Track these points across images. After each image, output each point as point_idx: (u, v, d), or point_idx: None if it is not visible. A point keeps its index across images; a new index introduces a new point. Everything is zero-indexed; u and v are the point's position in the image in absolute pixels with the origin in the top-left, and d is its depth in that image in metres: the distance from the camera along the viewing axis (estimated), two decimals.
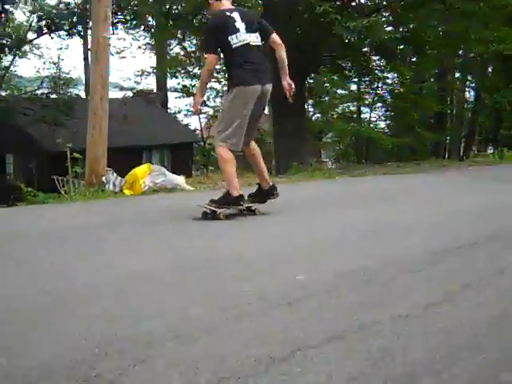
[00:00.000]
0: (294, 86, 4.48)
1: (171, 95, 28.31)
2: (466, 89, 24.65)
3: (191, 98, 27.37)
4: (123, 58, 28.51)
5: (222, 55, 4.38)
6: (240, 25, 4.22)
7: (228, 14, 4.29)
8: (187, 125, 27.91)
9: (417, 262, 2.99)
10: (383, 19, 11.23)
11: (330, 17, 9.54)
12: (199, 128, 26.97)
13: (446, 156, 24.66)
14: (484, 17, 11.74)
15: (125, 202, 5.97)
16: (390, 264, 2.93)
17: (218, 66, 6.02)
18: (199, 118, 26.59)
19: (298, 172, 9.30)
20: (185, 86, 26.37)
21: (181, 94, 27.23)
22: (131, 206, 5.66)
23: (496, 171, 10.04)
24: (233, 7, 4.49)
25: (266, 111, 13.62)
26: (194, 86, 26.49)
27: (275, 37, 4.42)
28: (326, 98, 22.27)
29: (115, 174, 6.72)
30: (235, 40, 4.19)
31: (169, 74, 26.71)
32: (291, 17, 10.78)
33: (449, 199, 5.77)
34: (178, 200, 5.89)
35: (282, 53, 4.43)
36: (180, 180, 7.01)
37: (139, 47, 26.02)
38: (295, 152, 12.64)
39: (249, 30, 4.25)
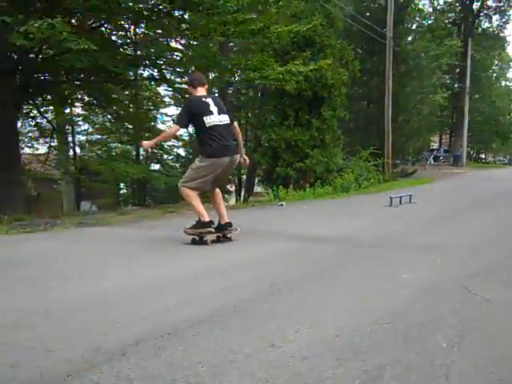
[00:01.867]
0: (248, 161, 5.97)
1: None
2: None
3: None
4: None
5: (195, 130, 5.51)
6: (213, 108, 5.42)
7: (204, 99, 5.48)
8: None
9: None
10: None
11: None
12: None
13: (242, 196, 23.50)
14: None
15: None
16: None
17: None
18: None
19: None
20: None
21: None
22: None
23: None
24: (206, 94, 5.63)
25: None
26: None
27: (235, 125, 5.78)
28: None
29: None
30: (209, 120, 5.34)
31: None
32: None
33: None
34: None
35: (239, 137, 5.84)
36: None
37: None
38: (6, 199, 9.87)
39: (220, 112, 5.46)
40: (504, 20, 41.55)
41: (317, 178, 18.19)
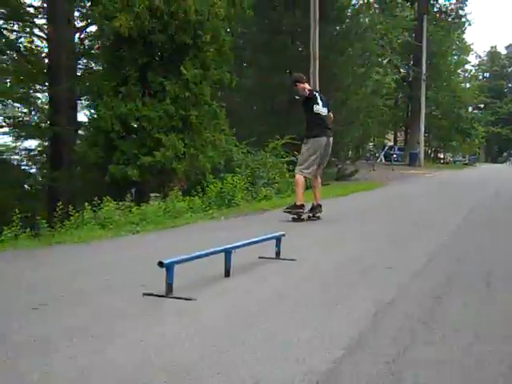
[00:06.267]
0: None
1: None
2: None
3: None
4: None
5: (306, 114, 7.13)
6: (320, 101, 7.02)
7: (315, 93, 7.27)
8: None
9: None
10: None
11: None
12: None
13: None
14: None
15: None
16: None
17: None
18: None
19: None
20: None
21: None
22: None
23: None
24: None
25: None
26: None
27: (330, 114, 7.23)
28: None
29: None
30: (316, 108, 6.95)
31: None
32: None
33: None
34: None
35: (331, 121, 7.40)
36: None
37: None
38: None
39: (323, 105, 7.06)
40: None
41: (197, 182, 11.01)
